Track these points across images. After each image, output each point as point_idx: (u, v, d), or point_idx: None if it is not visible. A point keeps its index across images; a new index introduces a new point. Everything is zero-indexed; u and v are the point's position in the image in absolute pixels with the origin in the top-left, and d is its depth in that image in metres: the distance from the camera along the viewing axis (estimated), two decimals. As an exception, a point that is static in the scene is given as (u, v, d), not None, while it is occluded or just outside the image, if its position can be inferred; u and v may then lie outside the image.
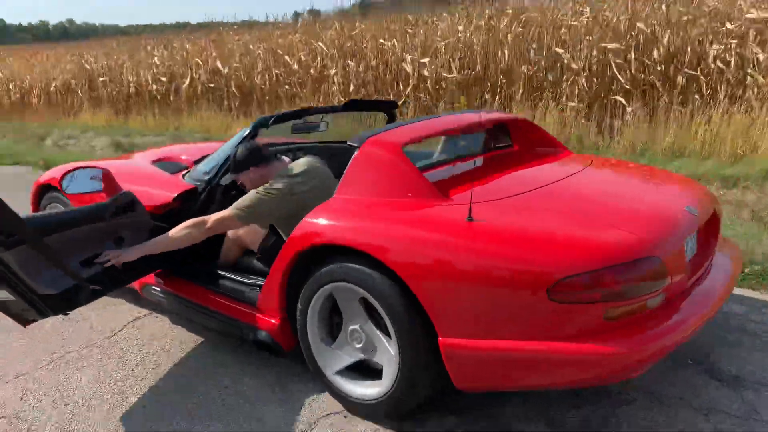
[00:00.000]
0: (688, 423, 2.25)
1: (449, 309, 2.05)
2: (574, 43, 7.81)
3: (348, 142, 2.56)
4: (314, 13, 14.54)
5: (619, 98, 7.20)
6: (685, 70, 6.97)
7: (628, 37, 7.51)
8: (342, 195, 2.44)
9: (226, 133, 9.31)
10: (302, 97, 10.03)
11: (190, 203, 3.04)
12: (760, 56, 6.44)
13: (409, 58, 8.92)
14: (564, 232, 2.02)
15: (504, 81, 8.23)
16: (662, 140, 6.57)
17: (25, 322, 2.54)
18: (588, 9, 8.37)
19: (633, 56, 7.25)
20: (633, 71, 7.23)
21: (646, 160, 6.35)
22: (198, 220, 2.70)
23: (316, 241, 2.32)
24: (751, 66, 6.56)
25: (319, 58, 10.09)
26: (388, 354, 2.25)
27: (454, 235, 2.07)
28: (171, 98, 11.87)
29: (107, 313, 3.44)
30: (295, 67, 10.28)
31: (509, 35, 8.36)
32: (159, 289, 3.12)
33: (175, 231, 2.69)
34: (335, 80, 9.61)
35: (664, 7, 7.77)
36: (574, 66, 7.56)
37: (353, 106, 3.54)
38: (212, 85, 11.31)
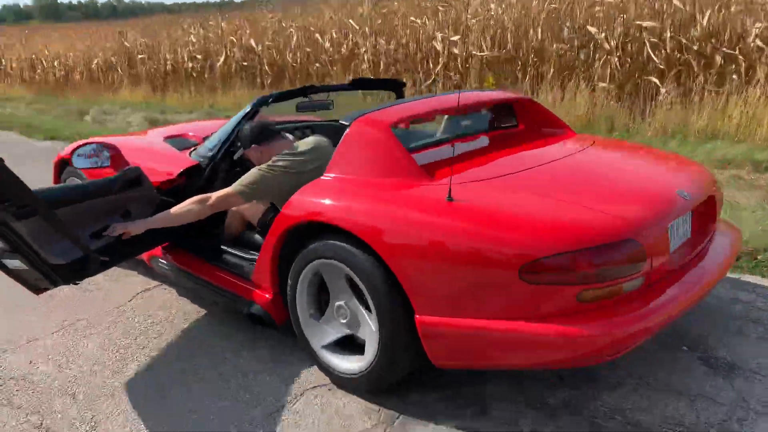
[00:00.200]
0: (670, 408, 2.22)
1: (426, 287, 2.07)
2: (607, 21, 7.59)
3: (339, 121, 2.58)
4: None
5: (653, 79, 7.00)
6: (723, 49, 6.71)
7: (665, 15, 7.26)
8: (331, 173, 2.47)
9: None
10: (332, 75, 10.06)
11: (194, 179, 3.11)
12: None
13: (439, 36, 8.83)
14: (541, 214, 2.01)
15: (535, 60, 8.08)
16: (695, 123, 6.36)
17: (38, 291, 2.66)
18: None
19: (669, 35, 7.02)
20: (668, 50, 7.00)
21: (676, 143, 6.18)
22: (203, 197, 2.76)
23: (302, 218, 2.36)
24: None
25: (351, 36, 10.08)
26: (370, 330, 2.29)
27: (432, 215, 2.08)
28: (206, 76, 12.05)
29: (119, 284, 3.58)
30: (327, 45, 10.30)
31: (542, 13, 8.18)
32: (165, 262, 3.22)
33: (180, 206, 2.77)
34: (365, 58, 9.59)
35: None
36: (606, 46, 7.36)
37: (359, 84, 3.54)
38: (246, 63, 11.44)
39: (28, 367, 2.76)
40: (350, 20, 10.22)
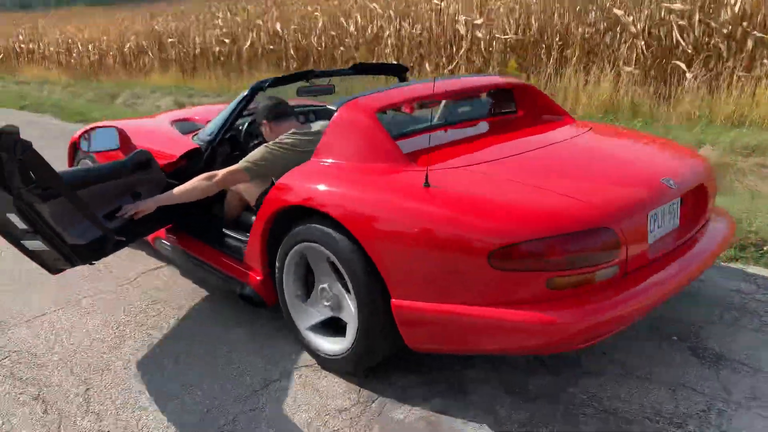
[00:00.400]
0: (650, 397, 2.20)
1: (401, 271, 2.09)
2: (634, 3, 7.40)
3: (327, 105, 2.60)
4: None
5: (680, 63, 6.81)
6: (755, 32, 6.48)
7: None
8: (317, 158, 2.50)
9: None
10: (357, 59, 10.04)
11: (195, 162, 3.18)
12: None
13: (463, 19, 8.73)
14: (515, 201, 2.00)
15: (560, 43, 7.93)
16: (721, 109, 6.18)
17: (55, 271, 2.77)
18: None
19: (698, 18, 6.81)
20: (697, 34, 6.80)
21: (700, 129, 6.03)
22: (210, 174, 2.81)
23: (286, 201, 2.40)
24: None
25: (376, 20, 10.05)
26: (350, 312, 2.33)
27: (408, 200, 2.09)
28: (233, 60, 12.17)
29: (125, 263, 3.69)
30: (352, 29, 10.29)
31: (568, -6, 8.01)
32: (168, 243, 3.30)
33: (189, 183, 2.82)
34: (389, 42, 9.55)
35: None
36: (633, 29, 7.18)
37: (360, 69, 3.54)
38: (272, 47, 11.50)
39: (33, 340, 2.88)
40: (374, 4, 10.17)
